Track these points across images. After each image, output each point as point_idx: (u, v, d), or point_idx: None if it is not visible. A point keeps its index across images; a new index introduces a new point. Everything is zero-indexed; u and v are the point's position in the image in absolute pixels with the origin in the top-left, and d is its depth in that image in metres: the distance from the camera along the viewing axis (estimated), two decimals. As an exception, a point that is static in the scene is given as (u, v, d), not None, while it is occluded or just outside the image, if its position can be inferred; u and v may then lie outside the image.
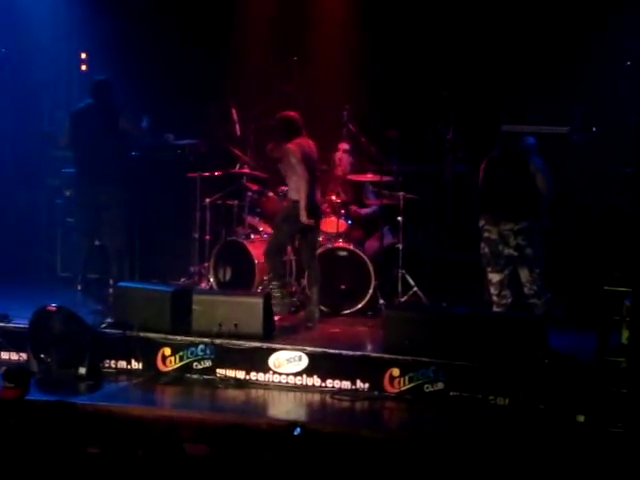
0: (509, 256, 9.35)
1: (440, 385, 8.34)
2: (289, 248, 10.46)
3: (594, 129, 10.69)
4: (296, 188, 9.68)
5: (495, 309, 9.43)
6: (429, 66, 11.18)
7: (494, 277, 9.43)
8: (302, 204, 9.59)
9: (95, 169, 10.29)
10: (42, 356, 8.73)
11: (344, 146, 10.76)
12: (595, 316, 8.41)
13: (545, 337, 8.48)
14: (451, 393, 8.30)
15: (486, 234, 9.43)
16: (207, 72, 11.79)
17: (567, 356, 8.30)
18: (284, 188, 10.58)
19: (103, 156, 10.27)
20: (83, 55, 12.17)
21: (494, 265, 9.42)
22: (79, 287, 10.58)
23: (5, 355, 9.13)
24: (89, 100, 10.47)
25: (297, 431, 6.03)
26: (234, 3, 11.78)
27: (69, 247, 11.29)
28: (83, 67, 12.17)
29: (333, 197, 10.56)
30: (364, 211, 10.79)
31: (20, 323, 9.18)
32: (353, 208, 10.66)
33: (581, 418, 7.78)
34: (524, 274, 9.34)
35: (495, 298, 9.44)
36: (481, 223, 9.47)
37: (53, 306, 8.92)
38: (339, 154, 10.74)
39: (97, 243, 10.85)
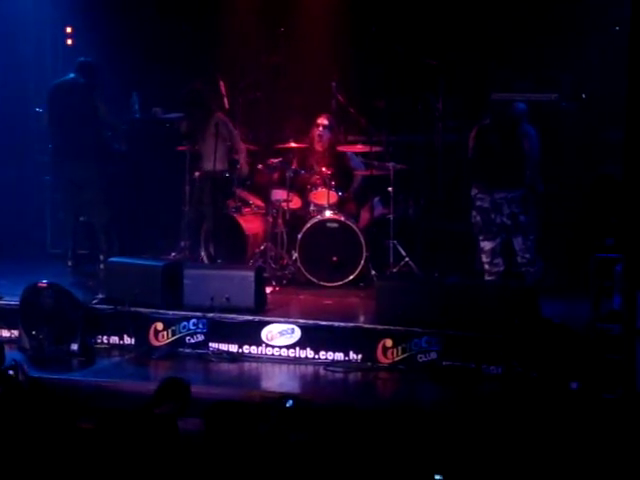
0: (502, 224, 9.36)
1: (433, 355, 8.35)
2: (280, 220, 10.45)
3: (583, 96, 10.66)
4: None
5: (487, 277, 9.44)
6: (417, 35, 11.11)
7: (486, 245, 9.45)
8: None
9: (72, 145, 10.28)
10: (34, 333, 8.70)
11: (323, 121, 10.64)
12: (587, 283, 8.43)
13: (537, 305, 8.49)
14: (444, 363, 8.31)
15: (478, 202, 9.43)
16: (194, 45, 11.72)
17: (559, 324, 8.30)
18: (273, 161, 10.55)
19: (79, 132, 10.27)
20: (68, 29, 12.07)
21: (486, 233, 9.43)
22: (69, 263, 10.55)
23: (-4, 332, 9.11)
24: (68, 76, 10.43)
25: (289, 403, 6.04)
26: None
27: (58, 223, 11.26)
28: (69, 41, 12.08)
29: (323, 169, 10.51)
30: (349, 191, 10.68)
31: (11, 300, 9.15)
32: (343, 195, 10.55)
33: (574, 386, 7.79)
34: (518, 242, 9.36)
35: (487, 266, 9.46)
36: (473, 192, 9.47)
37: (44, 282, 8.90)
38: (319, 130, 10.63)
39: (82, 219, 10.84)
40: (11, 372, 6.97)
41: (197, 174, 10.53)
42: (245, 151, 10.59)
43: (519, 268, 9.44)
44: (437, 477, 5.71)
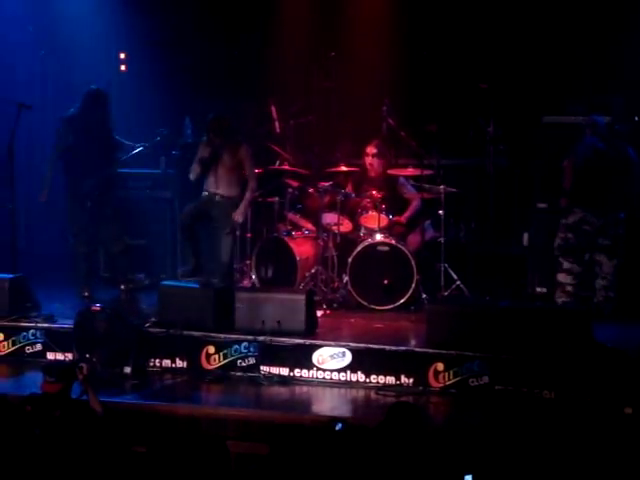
0: (601, 246, 9.45)
1: (485, 379, 8.29)
2: (331, 244, 10.47)
3: (636, 118, 10.59)
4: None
5: (564, 299, 9.42)
6: (468, 59, 11.14)
7: (575, 268, 9.58)
8: None
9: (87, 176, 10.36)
10: (87, 356, 8.76)
11: (372, 150, 10.65)
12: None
13: (590, 329, 8.41)
14: (496, 387, 8.25)
15: (585, 226, 9.55)
16: (246, 70, 11.82)
17: (613, 348, 8.23)
18: (324, 184, 10.57)
19: (95, 164, 10.35)
20: (122, 55, 12.22)
21: (578, 255, 9.57)
22: (85, 294, 10.52)
23: (51, 355, 9.19)
24: (80, 107, 10.42)
25: (339, 426, 6.04)
26: (272, 0, 11.78)
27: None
28: (122, 67, 12.23)
29: (374, 192, 10.52)
30: (405, 216, 10.66)
31: (65, 323, 9.24)
32: (395, 219, 10.55)
33: (629, 410, 7.70)
34: (606, 265, 9.42)
35: (569, 288, 9.55)
36: (576, 216, 9.51)
37: (97, 306, 8.98)
38: (369, 159, 10.66)
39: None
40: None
41: (205, 194, 10.33)
42: (254, 185, 10.35)
43: (602, 292, 9.55)
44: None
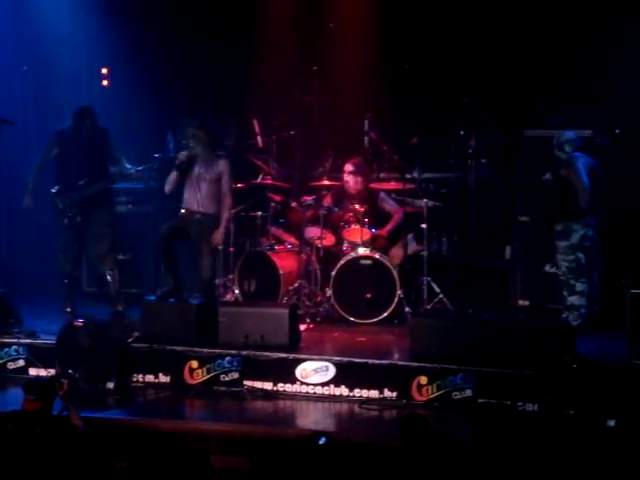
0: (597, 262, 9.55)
1: (468, 392, 8.31)
2: (314, 258, 10.48)
3: (617, 131, 10.65)
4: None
5: (578, 322, 9.35)
6: (449, 72, 11.17)
7: (583, 287, 9.46)
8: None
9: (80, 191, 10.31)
10: (70, 371, 8.74)
11: (349, 167, 10.68)
12: (623, 320, 8.38)
13: (573, 342, 8.44)
14: (479, 400, 8.27)
15: (587, 243, 9.46)
16: (228, 85, 11.83)
17: (595, 361, 8.25)
18: (307, 198, 10.58)
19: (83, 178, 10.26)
20: (104, 70, 12.22)
21: (586, 274, 9.47)
22: (68, 309, 10.41)
23: (33, 371, 9.16)
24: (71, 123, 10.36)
25: (322, 440, 6.04)
26: (253, 15, 11.81)
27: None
28: (104, 82, 12.22)
29: (356, 206, 10.54)
30: (386, 229, 10.68)
31: (47, 339, 9.22)
32: (376, 232, 10.57)
33: (612, 423, 7.72)
34: (596, 279, 9.54)
35: (583, 310, 9.42)
36: (578, 233, 9.43)
37: (80, 321, 8.96)
38: (346, 176, 10.69)
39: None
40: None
41: (183, 211, 10.13)
42: (230, 202, 10.15)
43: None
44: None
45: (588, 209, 9.33)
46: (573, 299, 9.44)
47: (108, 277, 10.42)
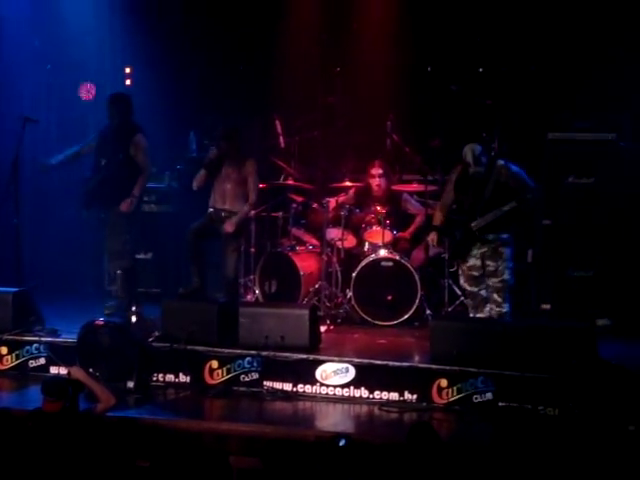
0: None
1: (489, 395, 8.28)
2: (335, 259, 10.47)
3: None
4: None
5: None
6: (473, 74, 11.13)
7: None
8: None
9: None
10: (90, 370, 8.75)
11: (378, 171, 10.68)
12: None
13: (595, 346, 8.39)
14: (500, 403, 8.24)
15: None
16: (251, 85, 11.83)
17: (617, 365, 8.21)
18: (329, 199, 10.58)
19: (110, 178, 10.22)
20: (127, 69, 12.25)
21: None
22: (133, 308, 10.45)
23: (54, 369, 9.19)
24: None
25: (342, 442, 6.03)
26: (276, 16, 11.80)
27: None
28: (128, 81, 12.25)
29: (378, 207, 10.53)
30: (409, 231, 10.68)
31: (68, 337, 9.24)
32: (399, 235, 10.57)
33: (632, 427, 7.68)
34: None
35: None
36: None
37: (101, 320, 8.97)
38: (375, 181, 10.68)
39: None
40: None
41: (210, 210, 10.27)
42: (254, 199, 10.28)
43: None
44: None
45: None
46: None
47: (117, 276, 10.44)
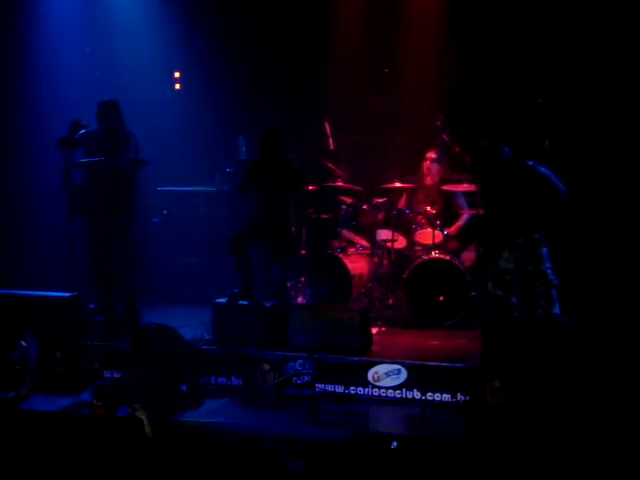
0: None
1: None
2: (385, 260, 10.45)
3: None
4: None
5: None
6: (523, 73, 11.05)
7: None
8: None
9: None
10: (143, 375, 8.79)
11: (432, 155, 10.72)
12: None
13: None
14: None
15: None
16: (300, 87, 11.84)
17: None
18: (378, 200, 10.56)
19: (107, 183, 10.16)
20: (177, 74, 12.31)
21: None
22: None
23: (107, 374, 9.24)
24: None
25: (394, 444, 6.02)
26: (325, 18, 11.81)
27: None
28: (177, 86, 12.31)
29: (428, 208, 10.50)
30: (455, 227, 10.65)
31: (120, 342, 9.29)
32: (446, 232, 10.54)
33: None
34: None
35: None
36: None
37: (153, 324, 9.01)
38: (427, 163, 10.73)
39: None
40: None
41: (255, 214, 10.21)
42: (301, 197, 10.33)
43: None
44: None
45: None
46: None
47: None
